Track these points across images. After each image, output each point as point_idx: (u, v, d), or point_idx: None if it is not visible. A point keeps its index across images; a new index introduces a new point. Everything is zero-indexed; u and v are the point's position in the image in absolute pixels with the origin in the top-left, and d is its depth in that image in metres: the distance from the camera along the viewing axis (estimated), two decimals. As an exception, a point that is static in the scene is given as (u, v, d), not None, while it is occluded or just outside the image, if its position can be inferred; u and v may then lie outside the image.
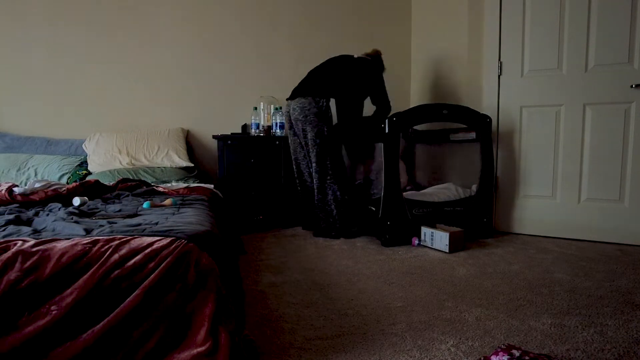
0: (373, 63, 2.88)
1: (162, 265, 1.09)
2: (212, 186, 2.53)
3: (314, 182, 2.75)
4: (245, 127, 3.23)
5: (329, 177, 2.72)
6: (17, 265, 1.04)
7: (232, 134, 3.11)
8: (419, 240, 2.51)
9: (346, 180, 2.84)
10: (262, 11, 3.37)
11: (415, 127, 3.20)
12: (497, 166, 2.87)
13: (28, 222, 1.47)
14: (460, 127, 2.94)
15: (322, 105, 2.67)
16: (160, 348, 1.05)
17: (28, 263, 1.05)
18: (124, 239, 1.15)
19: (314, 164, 2.72)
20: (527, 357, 1.10)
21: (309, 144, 2.71)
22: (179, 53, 3.23)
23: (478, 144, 2.74)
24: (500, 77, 2.84)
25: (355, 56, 2.89)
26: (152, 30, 3.17)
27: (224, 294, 1.14)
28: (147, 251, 1.11)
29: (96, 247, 1.11)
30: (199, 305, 1.09)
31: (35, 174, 2.69)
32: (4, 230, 1.29)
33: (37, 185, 1.96)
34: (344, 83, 2.79)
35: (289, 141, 2.91)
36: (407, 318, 1.49)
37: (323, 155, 2.70)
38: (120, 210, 1.68)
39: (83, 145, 2.96)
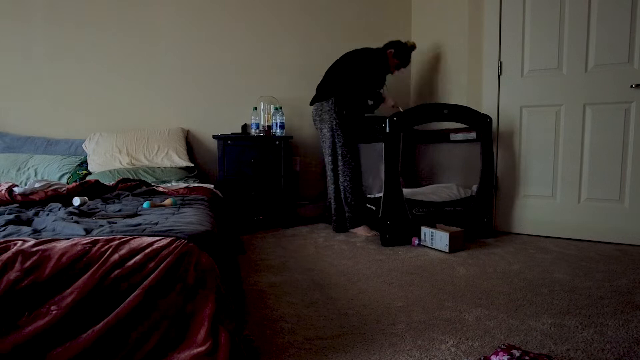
0: (373, 55, 2.87)
1: (162, 265, 1.09)
2: (212, 186, 2.53)
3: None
4: (245, 127, 3.23)
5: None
6: (17, 265, 1.04)
7: (232, 134, 3.11)
8: (419, 240, 2.51)
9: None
10: (263, 11, 3.37)
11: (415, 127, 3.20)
12: (497, 166, 2.87)
13: (28, 222, 1.47)
14: (460, 127, 2.94)
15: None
16: (160, 348, 1.05)
17: (28, 263, 1.05)
18: (124, 239, 1.15)
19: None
20: (527, 357, 1.10)
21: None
22: (179, 53, 3.23)
23: (478, 143, 2.74)
24: (500, 77, 2.83)
25: (374, 47, 2.96)
26: (152, 30, 3.17)
27: (224, 294, 1.14)
28: (147, 251, 1.11)
29: (96, 247, 1.11)
30: (199, 305, 1.09)
31: (35, 174, 2.69)
32: (4, 230, 1.29)
33: (37, 185, 1.96)
34: (341, 81, 2.85)
35: None
36: (407, 318, 1.49)
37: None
38: (120, 210, 1.68)
39: (83, 145, 2.96)
